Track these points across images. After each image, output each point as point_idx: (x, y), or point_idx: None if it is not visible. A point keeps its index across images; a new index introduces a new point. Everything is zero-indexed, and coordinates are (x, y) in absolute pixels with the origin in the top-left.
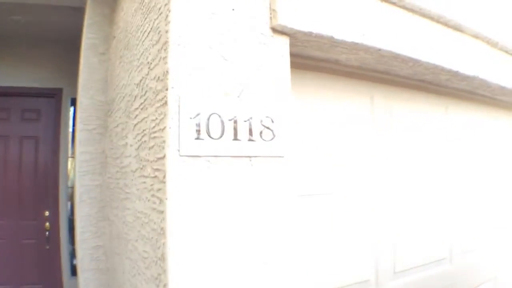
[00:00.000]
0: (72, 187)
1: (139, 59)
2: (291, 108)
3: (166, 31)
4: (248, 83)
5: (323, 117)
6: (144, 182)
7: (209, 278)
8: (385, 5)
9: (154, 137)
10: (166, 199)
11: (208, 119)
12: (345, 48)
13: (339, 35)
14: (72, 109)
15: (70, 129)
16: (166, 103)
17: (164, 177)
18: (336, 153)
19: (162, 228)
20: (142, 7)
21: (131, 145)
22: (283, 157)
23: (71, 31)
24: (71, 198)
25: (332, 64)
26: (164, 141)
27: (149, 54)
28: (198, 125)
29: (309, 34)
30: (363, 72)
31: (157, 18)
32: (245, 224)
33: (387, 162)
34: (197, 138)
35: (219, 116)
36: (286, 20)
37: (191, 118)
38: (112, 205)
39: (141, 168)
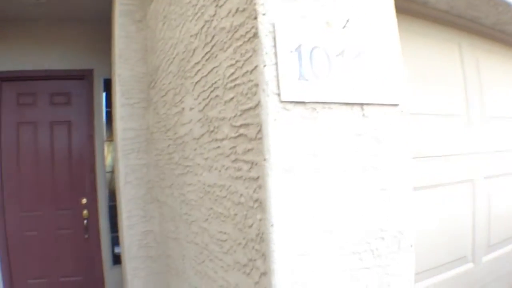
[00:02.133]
0: (111, 171)
1: (196, 5)
2: (398, 46)
3: None
4: (352, 13)
5: (411, 62)
6: (218, 147)
7: (320, 263)
8: None
9: (235, 86)
10: (265, 160)
11: (311, 53)
12: None
13: None
14: (104, 91)
15: (104, 112)
16: (255, 35)
17: (259, 131)
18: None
19: (256, 200)
20: None
21: (191, 109)
22: (397, 105)
23: (97, 8)
24: (109, 183)
25: (420, 6)
26: (255, 86)
27: None
28: (300, 60)
29: None
30: (450, 18)
31: None
32: (358, 189)
33: (477, 121)
34: (301, 78)
35: (325, 50)
36: None
37: (291, 51)
38: (163, 185)
39: (212, 131)
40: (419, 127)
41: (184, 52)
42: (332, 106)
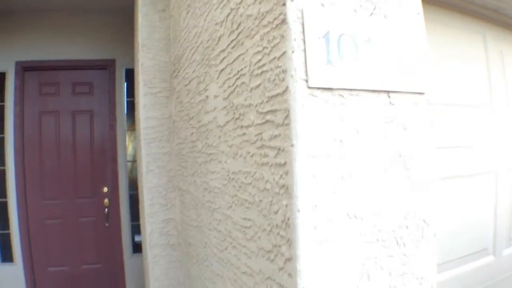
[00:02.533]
0: (132, 161)
1: None
2: (424, 35)
3: None
4: (380, 1)
5: (436, 52)
6: (244, 134)
7: (345, 249)
8: None
9: (262, 72)
10: (292, 145)
11: (339, 39)
12: None
13: None
14: (125, 81)
15: (125, 101)
16: (284, 21)
17: (287, 117)
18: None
19: (283, 186)
20: None
21: (215, 96)
22: (423, 93)
23: None
24: (130, 172)
25: None
26: (283, 71)
27: None
28: (328, 46)
29: None
30: (474, 9)
31: None
32: (383, 176)
33: (501, 112)
34: (329, 64)
35: (352, 37)
36: None
37: (319, 38)
38: (185, 173)
39: (237, 118)
40: (444, 116)
41: (208, 40)
42: (359, 93)
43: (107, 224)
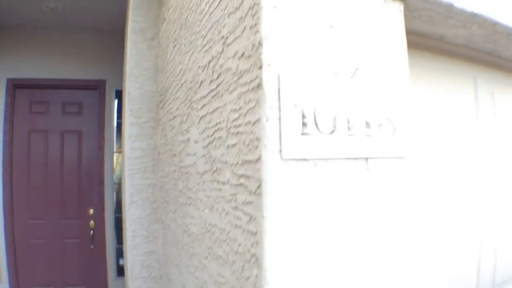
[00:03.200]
0: (118, 184)
1: (204, 36)
2: (410, 93)
3: None
4: (361, 61)
5: (423, 101)
6: (220, 189)
7: None
8: None
9: (238, 133)
10: (263, 217)
11: (316, 107)
12: (459, 21)
13: (459, 3)
14: (116, 101)
15: (115, 123)
16: (259, 86)
17: (259, 187)
18: (435, 142)
19: (253, 255)
20: None
21: (195, 142)
22: (403, 157)
23: (112, 18)
24: (117, 194)
25: (436, 41)
26: (257, 138)
27: (223, 26)
28: (304, 115)
29: (426, 0)
30: (466, 52)
31: None
32: (359, 248)
33: (489, 155)
34: (304, 134)
35: (330, 104)
36: None
37: (295, 105)
38: (168, 208)
39: (214, 172)
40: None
41: (192, 81)
42: (335, 161)
43: (92, 246)
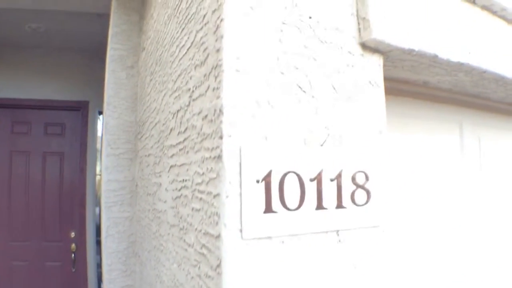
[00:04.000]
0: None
1: (175, 81)
2: (388, 155)
3: (217, 50)
4: (333, 124)
5: (406, 148)
6: (186, 250)
7: None
8: (495, 19)
9: (201, 199)
10: None
11: (283, 180)
12: (445, 70)
13: (443, 54)
14: (99, 122)
15: (98, 145)
16: (219, 157)
17: (219, 266)
18: (420, 189)
19: None
20: (177, 14)
21: (166, 190)
22: (378, 226)
23: (96, 39)
24: (99, 218)
25: (419, 87)
26: (217, 214)
27: (190, 78)
28: (268, 191)
29: (409, 52)
30: (451, 96)
31: (200, 29)
32: None
33: (477, 200)
34: (267, 211)
35: (298, 175)
36: (381, 33)
37: (258, 181)
38: (144, 245)
39: (181, 229)
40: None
41: (163, 124)
42: (304, 236)
43: (73, 270)
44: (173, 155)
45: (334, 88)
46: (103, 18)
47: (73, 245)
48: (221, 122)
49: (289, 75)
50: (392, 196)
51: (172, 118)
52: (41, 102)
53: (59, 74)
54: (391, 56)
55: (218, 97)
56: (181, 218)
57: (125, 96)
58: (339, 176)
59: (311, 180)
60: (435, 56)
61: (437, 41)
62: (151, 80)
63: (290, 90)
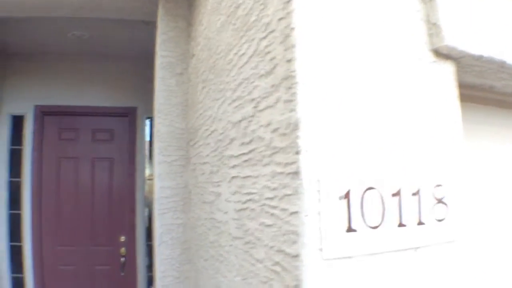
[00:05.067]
0: (151, 211)
1: (234, 90)
2: (464, 166)
3: (288, 60)
4: (410, 134)
5: (476, 156)
6: (253, 265)
7: None
8: None
9: (273, 215)
10: None
11: (363, 197)
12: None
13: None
14: (147, 128)
15: (147, 150)
16: (297, 174)
17: (297, 286)
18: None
19: None
20: (233, 21)
21: (227, 201)
22: (454, 241)
23: (142, 46)
24: (149, 222)
25: (484, 92)
26: (295, 233)
27: (254, 87)
28: (348, 208)
29: (478, 58)
30: None
31: (264, 38)
32: None
33: None
34: (349, 230)
35: (378, 191)
36: (454, 40)
37: (340, 198)
38: (200, 253)
39: (247, 243)
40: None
41: (221, 134)
42: (383, 255)
43: (122, 274)
44: (234, 166)
45: (408, 96)
46: (149, 25)
47: (123, 249)
48: (297, 137)
49: (363, 85)
50: (467, 209)
51: (233, 127)
52: (88, 108)
53: (105, 81)
54: (461, 63)
55: (292, 110)
56: (247, 231)
57: (176, 103)
58: (418, 190)
59: (393, 195)
60: (503, 62)
61: (505, 47)
62: (203, 87)
63: (365, 99)
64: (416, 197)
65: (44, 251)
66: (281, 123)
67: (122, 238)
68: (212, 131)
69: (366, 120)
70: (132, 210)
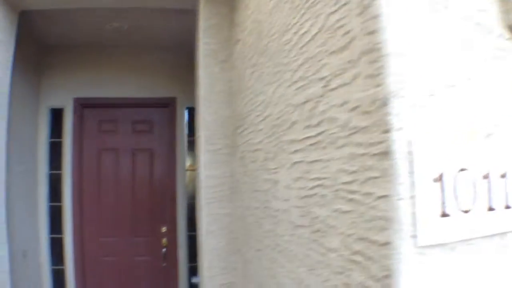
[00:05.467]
0: (191, 202)
1: (295, 71)
2: None
3: (370, 32)
4: (496, 115)
5: None
6: (324, 255)
7: None
8: None
9: (352, 200)
10: None
11: (456, 179)
12: None
13: None
14: (186, 118)
15: (186, 140)
16: (386, 155)
17: (387, 277)
18: None
19: None
20: (291, 0)
21: (286, 188)
22: None
23: (180, 36)
24: (190, 212)
25: None
26: (384, 218)
27: (322, 66)
28: (443, 191)
29: None
30: None
31: (333, 12)
32: None
33: None
34: (443, 215)
35: (470, 173)
36: None
37: (434, 180)
38: (250, 243)
39: (316, 232)
40: None
41: (278, 118)
42: (472, 241)
43: (164, 264)
44: (296, 150)
45: (491, 75)
46: (188, 14)
47: (164, 240)
48: (385, 114)
49: (456, 61)
50: None
51: (294, 110)
52: (127, 100)
53: (144, 72)
54: None
55: (378, 86)
56: (315, 219)
57: (220, 91)
58: (505, 173)
59: (484, 177)
60: None
61: None
62: (252, 72)
63: (459, 77)
64: (503, 179)
65: (85, 243)
66: (363, 100)
67: (163, 229)
68: (266, 117)
69: (458, 100)
70: (173, 201)
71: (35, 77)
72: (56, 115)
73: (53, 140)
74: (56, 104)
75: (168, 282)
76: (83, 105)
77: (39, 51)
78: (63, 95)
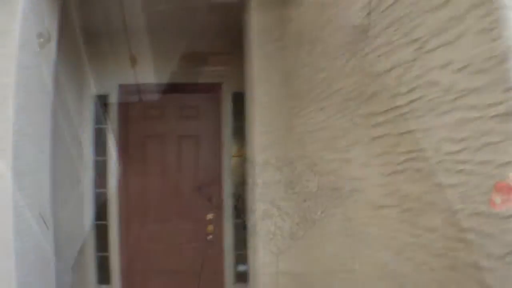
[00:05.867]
0: (238, 189)
1: (375, 37)
2: None
3: None
4: None
5: None
6: (419, 236)
7: None
8: None
9: (461, 171)
10: None
11: None
12: None
13: None
14: (232, 104)
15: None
16: (507, 115)
17: (509, 253)
18: None
19: None
20: None
21: (365, 165)
22: None
23: (225, 20)
24: (237, 200)
25: None
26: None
27: (414, 27)
28: None
29: None
30: None
31: None
32: None
33: None
34: None
35: None
36: None
37: None
38: (308, 226)
39: (406, 211)
40: None
41: (351, 92)
42: None
43: (210, 251)
44: (377, 123)
45: None
46: None
47: (210, 227)
48: (505, 70)
49: None
50: None
51: (374, 81)
52: (173, 86)
53: (189, 57)
54: None
55: (494, 40)
56: (404, 197)
57: (275, 70)
58: None
59: None
60: None
61: None
62: (312, 49)
63: None
64: None
65: (130, 230)
66: (473, 59)
67: (210, 216)
68: (332, 93)
69: None
70: (220, 188)
71: (80, 64)
72: (101, 102)
73: (98, 126)
74: (102, 90)
75: (214, 270)
76: (128, 92)
77: (83, 38)
78: (108, 81)
